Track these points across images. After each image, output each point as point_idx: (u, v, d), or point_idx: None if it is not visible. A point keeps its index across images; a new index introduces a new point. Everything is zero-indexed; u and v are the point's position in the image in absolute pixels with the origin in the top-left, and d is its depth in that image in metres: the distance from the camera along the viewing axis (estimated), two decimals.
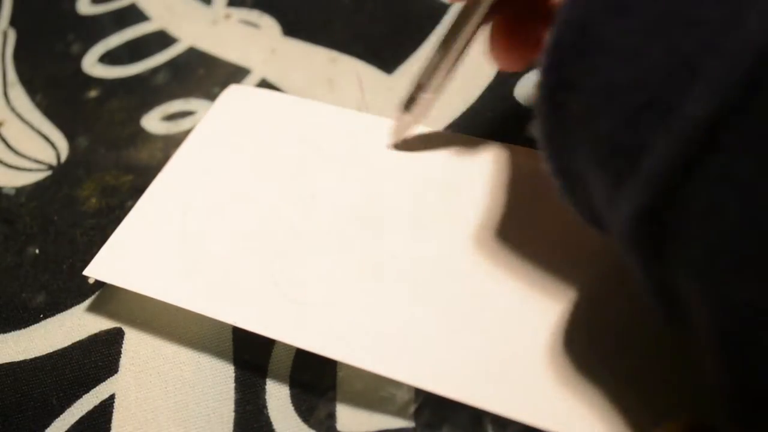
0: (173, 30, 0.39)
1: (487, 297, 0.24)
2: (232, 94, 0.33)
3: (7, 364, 0.28)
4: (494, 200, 0.27)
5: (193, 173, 0.30)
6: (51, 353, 0.28)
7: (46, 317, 0.29)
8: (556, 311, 0.23)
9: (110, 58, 0.38)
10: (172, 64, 0.37)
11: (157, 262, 0.27)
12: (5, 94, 0.38)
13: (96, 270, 0.27)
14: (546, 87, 0.18)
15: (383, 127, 0.30)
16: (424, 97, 0.27)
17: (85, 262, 0.28)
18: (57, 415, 0.26)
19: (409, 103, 0.28)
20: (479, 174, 0.28)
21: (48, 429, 0.26)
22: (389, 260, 0.26)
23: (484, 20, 0.25)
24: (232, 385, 0.26)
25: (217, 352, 0.26)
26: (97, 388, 0.26)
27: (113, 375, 0.27)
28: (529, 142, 0.29)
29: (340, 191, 0.28)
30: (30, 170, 0.34)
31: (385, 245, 0.26)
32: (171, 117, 0.35)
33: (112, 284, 0.27)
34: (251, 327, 0.25)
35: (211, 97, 0.33)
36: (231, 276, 0.26)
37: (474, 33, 0.25)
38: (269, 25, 0.38)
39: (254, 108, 0.32)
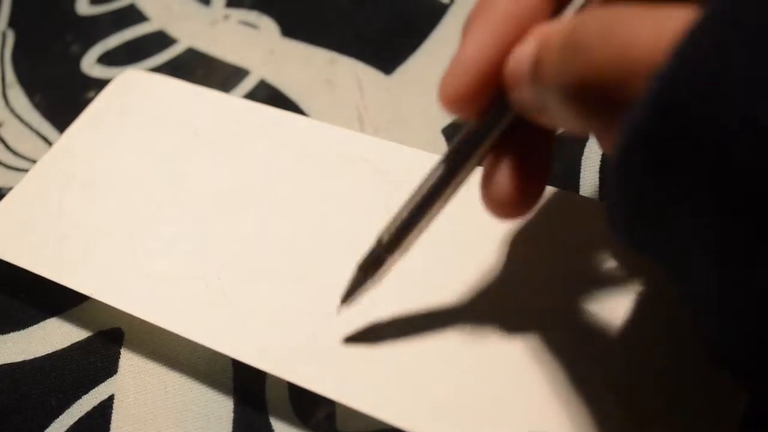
0: (172, 31, 0.39)
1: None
2: (126, 78, 0.33)
3: (6, 365, 0.28)
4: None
5: (76, 155, 0.30)
6: (50, 354, 0.28)
7: (45, 318, 0.29)
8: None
9: (109, 58, 0.38)
10: (171, 65, 0.37)
11: (35, 238, 0.28)
12: (4, 94, 0.38)
13: None
14: (650, 136, 0.15)
15: (282, 120, 0.30)
16: (390, 258, 0.21)
17: None
18: (56, 416, 0.26)
19: (372, 265, 0.21)
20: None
21: (47, 430, 0.26)
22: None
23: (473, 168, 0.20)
24: (231, 385, 0.26)
25: (216, 353, 0.26)
26: (97, 388, 0.26)
27: (112, 376, 0.27)
28: None
29: (221, 182, 0.28)
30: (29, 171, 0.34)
31: (272, 229, 0.26)
32: None
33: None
34: (106, 301, 0.26)
35: None
36: (94, 252, 0.27)
37: (469, 172, 0.20)
38: (268, 25, 0.38)
39: (148, 94, 0.32)
